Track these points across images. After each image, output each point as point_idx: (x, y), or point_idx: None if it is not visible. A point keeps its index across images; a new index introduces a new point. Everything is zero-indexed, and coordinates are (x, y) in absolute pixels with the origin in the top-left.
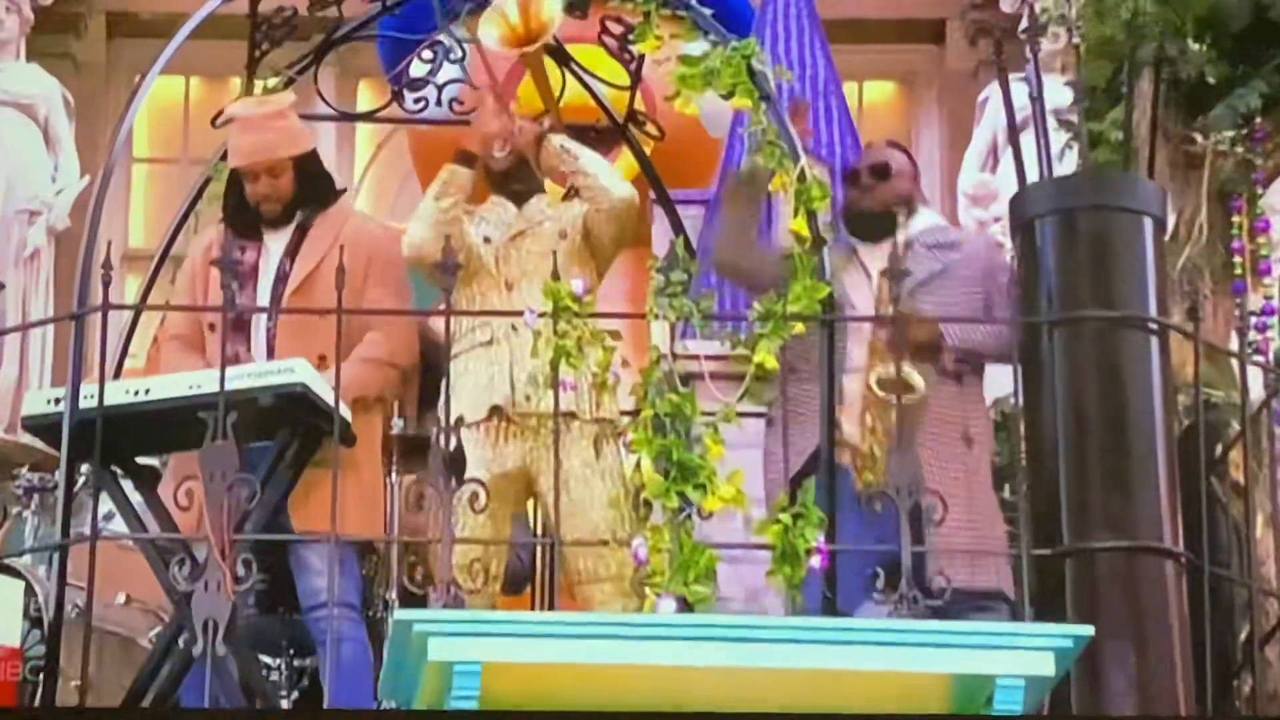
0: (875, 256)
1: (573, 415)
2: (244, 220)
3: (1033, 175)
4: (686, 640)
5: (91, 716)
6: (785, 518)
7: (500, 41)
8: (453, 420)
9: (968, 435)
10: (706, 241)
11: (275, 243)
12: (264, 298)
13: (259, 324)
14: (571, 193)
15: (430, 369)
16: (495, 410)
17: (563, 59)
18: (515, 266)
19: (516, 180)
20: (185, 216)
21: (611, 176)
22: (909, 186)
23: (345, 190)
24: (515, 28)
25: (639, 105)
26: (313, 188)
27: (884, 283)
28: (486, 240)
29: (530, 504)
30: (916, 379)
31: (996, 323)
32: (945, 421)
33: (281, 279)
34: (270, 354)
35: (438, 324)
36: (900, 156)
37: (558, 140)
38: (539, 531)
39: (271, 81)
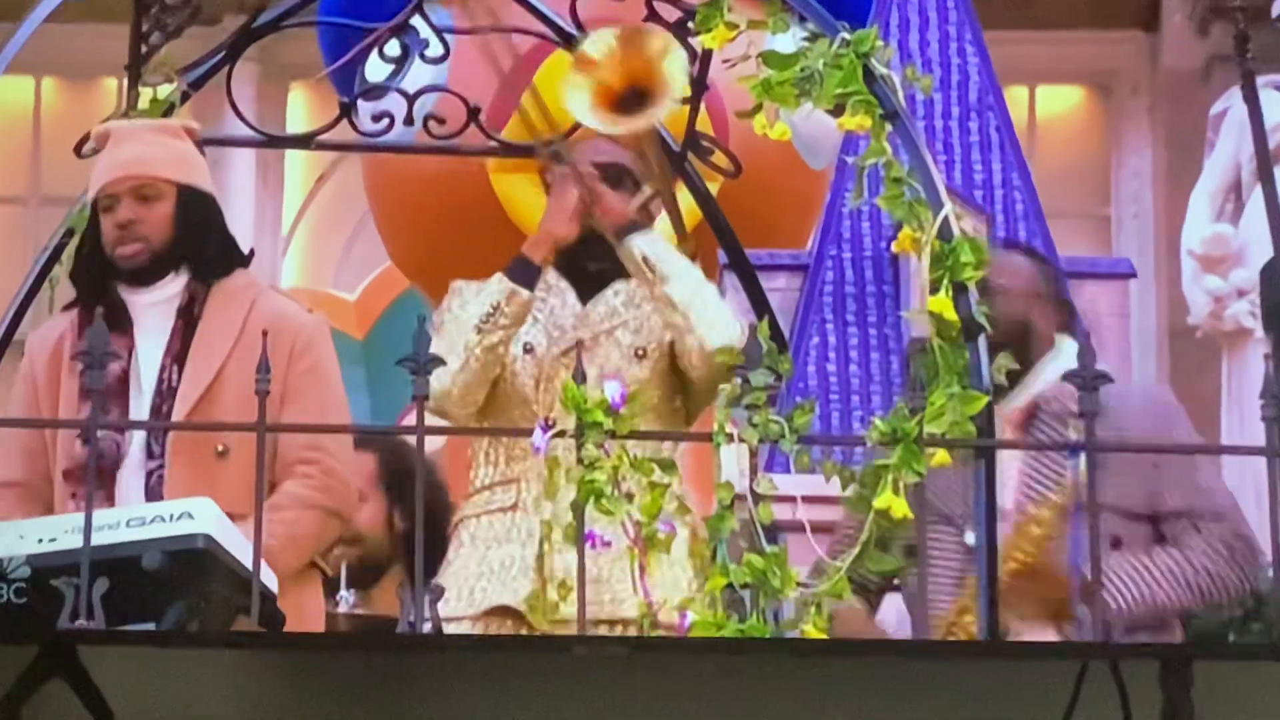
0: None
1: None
2: (100, 284)
3: None
4: None
5: None
6: None
7: (594, 111)
8: (432, 594)
9: None
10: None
11: (150, 337)
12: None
13: (134, 464)
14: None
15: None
16: (505, 612)
17: None
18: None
19: (587, 255)
20: (37, 284)
21: (710, 313)
22: (1025, 309)
23: (252, 256)
24: (609, 84)
25: (703, 125)
26: (201, 245)
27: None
28: (527, 350)
29: None
30: None
31: None
32: None
33: (165, 393)
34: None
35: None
36: (1014, 262)
37: (640, 247)
38: None
39: (165, 89)
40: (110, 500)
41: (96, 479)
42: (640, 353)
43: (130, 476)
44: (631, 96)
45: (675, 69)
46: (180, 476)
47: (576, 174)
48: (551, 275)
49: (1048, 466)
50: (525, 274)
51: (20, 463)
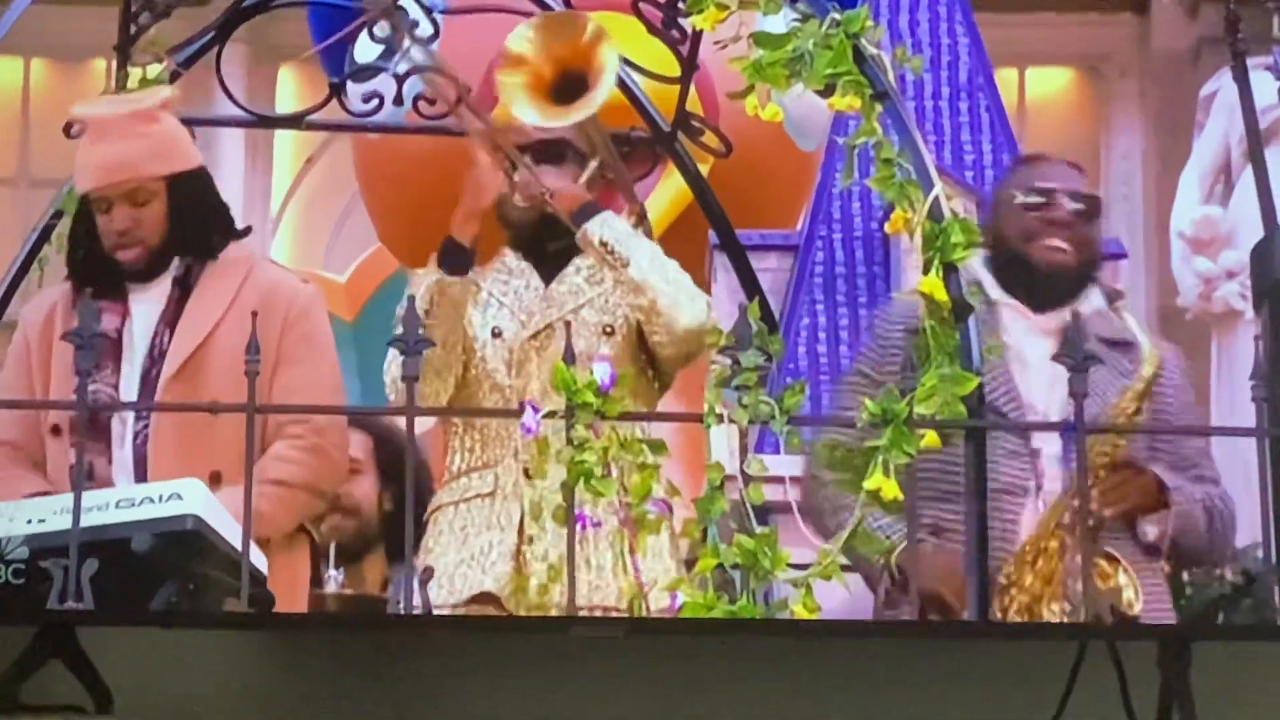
0: (1036, 330)
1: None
2: (98, 271)
3: None
4: None
5: None
6: None
7: (533, 107)
8: (420, 572)
9: None
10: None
11: (145, 304)
12: (131, 384)
13: (124, 424)
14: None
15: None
16: (486, 599)
17: None
18: (537, 377)
19: (546, 235)
20: (25, 266)
21: (673, 290)
22: (1099, 236)
23: (249, 230)
24: (545, 75)
25: (693, 105)
26: (197, 226)
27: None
28: (496, 334)
29: None
30: (1133, 593)
31: None
32: None
33: (156, 357)
34: (140, 469)
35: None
36: (1071, 174)
37: (596, 232)
38: None
39: (154, 69)
40: (108, 459)
41: (91, 437)
42: (608, 330)
43: (122, 439)
44: (567, 84)
45: (606, 50)
46: (168, 434)
47: (485, 133)
48: (511, 258)
49: (1120, 361)
50: (456, 257)
51: (13, 423)
